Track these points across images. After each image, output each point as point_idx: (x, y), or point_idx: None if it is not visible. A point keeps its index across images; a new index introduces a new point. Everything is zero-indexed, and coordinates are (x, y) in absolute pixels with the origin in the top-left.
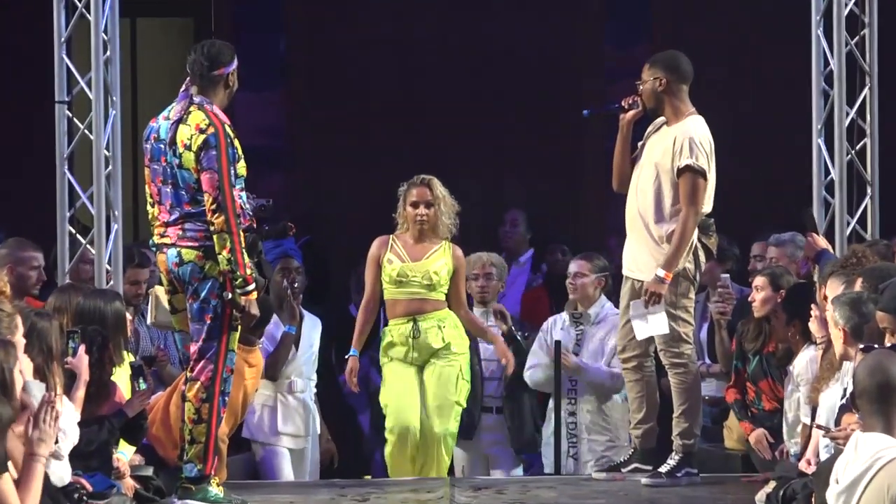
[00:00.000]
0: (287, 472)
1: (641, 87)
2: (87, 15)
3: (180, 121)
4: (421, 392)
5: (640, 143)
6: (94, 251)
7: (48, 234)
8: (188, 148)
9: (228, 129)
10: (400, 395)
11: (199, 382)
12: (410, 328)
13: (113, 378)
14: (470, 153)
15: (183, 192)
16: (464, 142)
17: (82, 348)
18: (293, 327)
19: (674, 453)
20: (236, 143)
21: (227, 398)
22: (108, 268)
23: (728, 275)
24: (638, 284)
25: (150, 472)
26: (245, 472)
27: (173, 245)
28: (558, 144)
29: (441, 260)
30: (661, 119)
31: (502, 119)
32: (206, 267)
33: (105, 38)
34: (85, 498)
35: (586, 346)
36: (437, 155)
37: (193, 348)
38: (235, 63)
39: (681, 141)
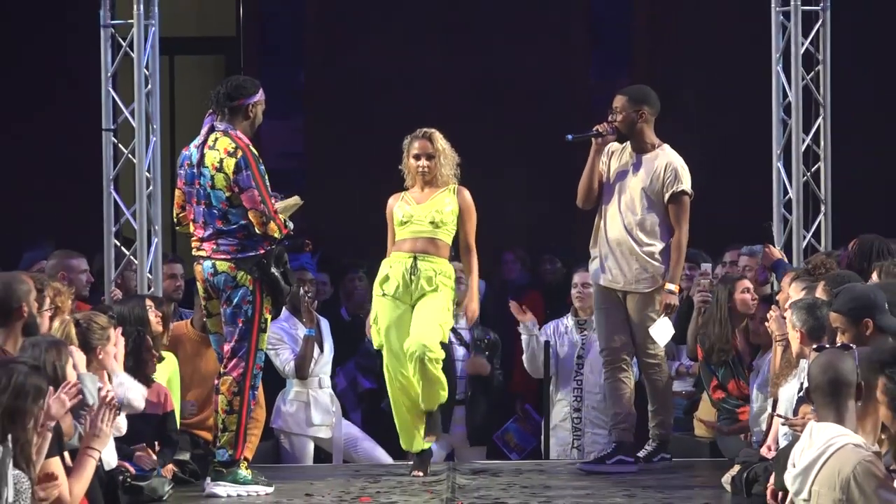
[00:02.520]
0: (310, 461)
1: (618, 116)
2: (131, 53)
3: (205, 143)
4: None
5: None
6: (136, 262)
7: (95, 247)
8: (219, 170)
9: (253, 149)
10: (391, 325)
11: (231, 377)
12: (410, 264)
13: (158, 379)
14: (470, 175)
15: (215, 211)
16: (465, 164)
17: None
18: (312, 330)
19: (651, 441)
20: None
21: (256, 392)
22: (150, 276)
23: (709, 264)
24: (637, 297)
25: (186, 456)
26: (271, 458)
27: (209, 258)
28: (552, 166)
29: (446, 199)
30: (618, 146)
31: (501, 142)
32: (238, 276)
33: (146, 73)
34: (129, 480)
35: (591, 350)
36: None
37: (227, 347)
38: (258, 97)
39: (671, 169)
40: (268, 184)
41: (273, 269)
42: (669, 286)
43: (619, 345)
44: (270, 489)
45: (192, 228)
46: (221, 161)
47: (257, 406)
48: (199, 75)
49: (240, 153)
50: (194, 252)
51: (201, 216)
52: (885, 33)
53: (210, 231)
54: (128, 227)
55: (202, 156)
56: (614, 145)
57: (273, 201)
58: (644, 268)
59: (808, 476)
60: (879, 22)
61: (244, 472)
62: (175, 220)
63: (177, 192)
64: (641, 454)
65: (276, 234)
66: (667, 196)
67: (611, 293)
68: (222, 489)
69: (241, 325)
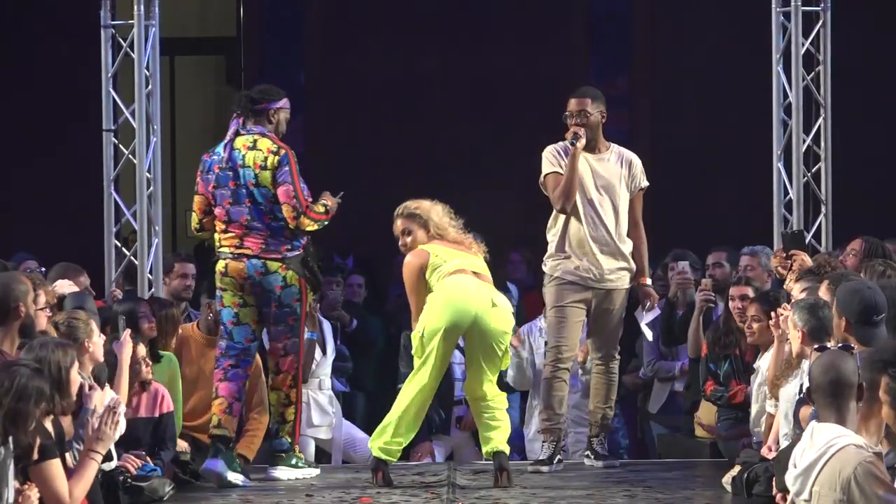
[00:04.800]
0: (311, 459)
1: (586, 120)
2: (131, 53)
3: (232, 143)
4: None
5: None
6: (137, 262)
7: (95, 247)
8: (263, 168)
9: (292, 151)
10: None
11: (288, 375)
12: None
13: (156, 381)
14: (471, 175)
15: (262, 208)
16: (465, 165)
17: (127, 333)
18: (315, 334)
19: (552, 442)
20: None
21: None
22: (150, 276)
23: (686, 262)
24: (615, 293)
25: (187, 457)
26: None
27: (256, 256)
28: None
29: None
30: (565, 145)
31: (501, 143)
32: (288, 276)
33: (147, 73)
34: (129, 481)
35: None
36: (440, 177)
37: (279, 345)
38: (281, 103)
39: (636, 165)
40: (304, 183)
41: (315, 267)
42: (647, 281)
43: (576, 347)
44: (317, 471)
45: (218, 229)
46: (266, 159)
47: (262, 410)
48: (199, 76)
49: (283, 151)
50: (232, 250)
51: (242, 215)
52: (886, 33)
53: (257, 227)
54: (127, 227)
55: (235, 155)
56: (562, 148)
57: (308, 199)
58: (626, 264)
59: (809, 477)
60: (879, 22)
61: (298, 457)
62: (198, 226)
63: (198, 199)
64: (544, 456)
65: (309, 228)
66: (636, 192)
67: (583, 292)
68: (283, 473)
69: (291, 322)
